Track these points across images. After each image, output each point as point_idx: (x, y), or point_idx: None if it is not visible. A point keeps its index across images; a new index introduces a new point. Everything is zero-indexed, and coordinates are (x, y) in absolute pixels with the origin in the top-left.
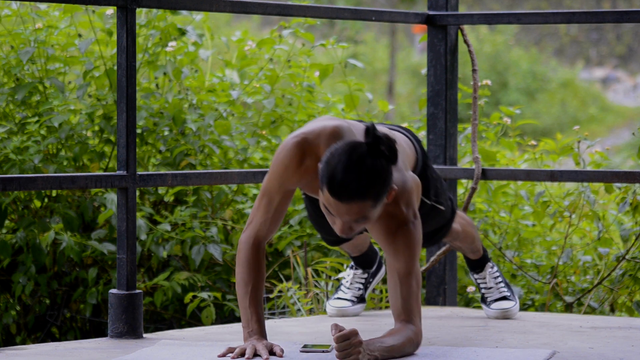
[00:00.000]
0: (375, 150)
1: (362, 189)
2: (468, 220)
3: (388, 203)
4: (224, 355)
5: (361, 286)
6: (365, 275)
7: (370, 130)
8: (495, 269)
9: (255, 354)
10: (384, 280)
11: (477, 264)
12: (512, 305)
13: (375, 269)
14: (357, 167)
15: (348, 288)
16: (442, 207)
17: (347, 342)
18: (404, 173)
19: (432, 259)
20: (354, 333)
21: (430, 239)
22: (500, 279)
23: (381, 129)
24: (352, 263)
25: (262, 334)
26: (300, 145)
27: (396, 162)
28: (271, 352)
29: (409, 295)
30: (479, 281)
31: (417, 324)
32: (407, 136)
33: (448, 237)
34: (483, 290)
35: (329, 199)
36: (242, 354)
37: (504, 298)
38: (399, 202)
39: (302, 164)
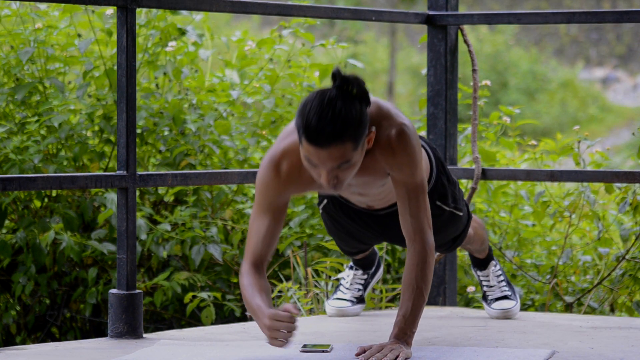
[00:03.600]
0: (345, 92)
1: (338, 130)
2: (480, 223)
3: (370, 147)
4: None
5: (361, 287)
6: (365, 276)
7: (337, 74)
8: (499, 267)
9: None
10: (384, 281)
11: (482, 262)
12: (512, 305)
13: (375, 269)
14: (330, 109)
15: (347, 289)
16: (460, 214)
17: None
18: (376, 99)
19: None
20: (379, 348)
21: (450, 247)
22: (502, 278)
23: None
24: (352, 263)
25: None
26: (274, 159)
27: (369, 102)
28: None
29: (417, 210)
30: (481, 279)
31: (425, 237)
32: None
33: (464, 242)
34: (485, 288)
35: (308, 149)
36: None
37: (505, 297)
38: (381, 122)
39: (281, 174)
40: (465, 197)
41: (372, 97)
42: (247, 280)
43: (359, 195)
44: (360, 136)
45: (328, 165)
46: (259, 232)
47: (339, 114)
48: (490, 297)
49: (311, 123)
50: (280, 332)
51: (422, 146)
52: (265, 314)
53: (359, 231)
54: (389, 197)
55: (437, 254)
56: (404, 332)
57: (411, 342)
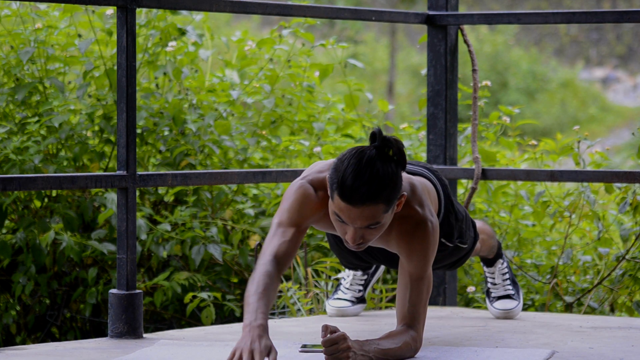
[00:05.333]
0: (383, 154)
1: (374, 191)
2: (489, 233)
3: (401, 209)
4: None
5: (361, 287)
6: (365, 277)
7: (377, 134)
8: (505, 265)
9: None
10: (384, 280)
11: (489, 260)
12: (514, 305)
13: (374, 269)
14: (368, 170)
15: (347, 289)
16: (464, 246)
17: (335, 347)
18: (411, 177)
19: None
20: (342, 337)
21: (452, 266)
22: (508, 276)
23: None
24: None
25: (263, 326)
26: (315, 182)
27: (405, 165)
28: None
29: (417, 300)
30: (487, 275)
31: (419, 330)
32: (430, 179)
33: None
34: (489, 285)
35: (340, 205)
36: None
37: (508, 297)
38: (412, 204)
39: (315, 197)
40: (465, 197)
41: (409, 176)
42: (263, 266)
43: None
44: (394, 199)
45: (357, 224)
46: (284, 236)
47: (376, 175)
48: (493, 295)
49: (347, 181)
50: (341, 353)
51: (434, 183)
52: (255, 323)
53: (362, 255)
54: None
55: None
56: (370, 349)
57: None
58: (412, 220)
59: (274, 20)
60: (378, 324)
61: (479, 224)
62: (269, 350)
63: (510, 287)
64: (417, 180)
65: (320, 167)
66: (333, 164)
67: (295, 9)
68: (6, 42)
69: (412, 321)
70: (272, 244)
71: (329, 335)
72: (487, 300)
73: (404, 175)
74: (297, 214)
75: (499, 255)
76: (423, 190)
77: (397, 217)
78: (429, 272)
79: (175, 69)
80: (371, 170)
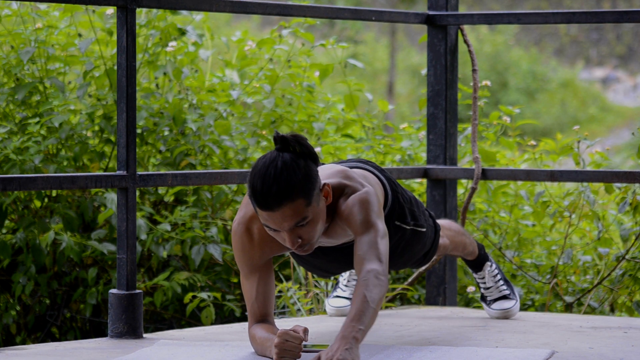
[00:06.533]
0: (287, 153)
1: (284, 188)
2: (456, 230)
3: (331, 199)
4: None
5: None
6: None
7: (276, 138)
8: (494, 267)
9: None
10: None
11: (475, 264)
12: (512, 304)
13: None
14: (272, 170)
15: (346, 286)
16: (422, 229)
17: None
18: (337, 167)
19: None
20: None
21: (421, 262)
22: (499, 277)
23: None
24: None
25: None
26: (242, 224)
27: (315, 158)
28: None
29: (373, 242)
30: (478, 280)
31: (377, 264)
32: (368, 170)
33: (438, 254)
34: (482, 290)
35: (263, 215)
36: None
37: (504, 297)
38: (342, 188)
39: (254, 238)
40: (465, 197)
41: (337, 166)
42: (258, 336)
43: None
44: (310, 191)
45: (285, 226)
46: (252, 295)
47: (280, 172)
48: (489, 298)
49: (257, 188)
50: (288, 351)
51: (371, 171)
52: (273, 340)
53: (326, 264)
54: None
55: (433, 258)
56: (349, 334)
57: (360, 338)
58: (346, 196)
59: (274, 20)
60: (377, 324)
61: (444, 221)
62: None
63: (504, 288)
64: (350, 170)
65: (246, 199)
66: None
67: (295, 9)
68: (6, 42)
69: (370, 255)
70: (249, 310)
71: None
72: (484, 305)
73: (331, 167)
74: (249, 262)
75: (484, 257)
76: (357, 175)
77: (333, 206)
78: (378, 223)
79: (175, 69)
80: (275, 170)
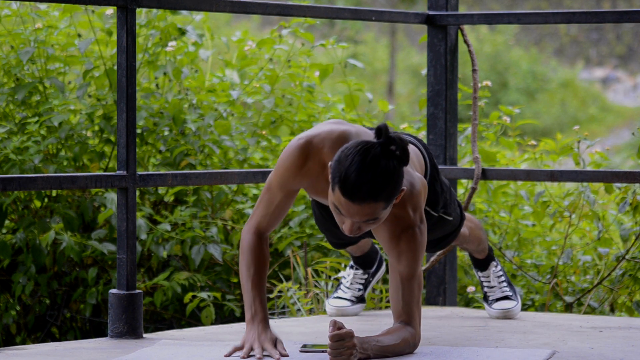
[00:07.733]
0: (387, 151)
1: (376, 190)
2: (476, 223)
3: (396, 204)
4: (230, 355)
5: (361, 287)
6: (366, 276)
7: (382, 130)
8: (499, 267)
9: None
10: (385, 280)
11: (482, 263)
12: (513, 305)
13: (375, 268)
14: (371, 168)
15: (348, 288)
16: (450, 218)
17: (341, 343)
18: (412, 174)
19: (432, 259)
20: (349, 335)
21: (438, 244)
22: (503, 278)
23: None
24: (352, 263)
25: (265, 319)
26: (304, 148)
27: (407, 163)
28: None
29: (410, 298)
30: (482, 279)
31: (416, 327)
32: (418, 147)
33: (456, 241)
34: (485, 289)
35: (340, 199)
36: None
37: (506, 297)
38: (406, 205)
39: (304, 166)
40: (465, 197)
41: (411, 172)
42: (247, 242)
43: None
44: (393, 196)
45: (356, 219)
46: (268, 206)
47: (379, 174)
48: (491, 298)
49: (350, 178)
50: (345, 350)
51: (420, 150)
52: (257, 318)
53: (345, 236)
54: None
55: (434, 258)
56: (369, 347)
57: (371, 354)
58: (403, 222)
59: (274, 20)
60: (378, 324)
61: (467, 214)
62: (275, 340)
63: (507, 289)
64: (417, 175)
65: (320, 130)
66: (336, 155)
67: (295, 9)
68: (6, 42)
69: (409, 318)
70: (256, 215)
71: (336, 331)
72: (485, 304)
73: (406, 170)
74: (285, 179)
75: (491, 257)
76: (420, 191)
77: (391, 213)
78: (419, 271)
79: (175, 69)
80: (374, 170)
